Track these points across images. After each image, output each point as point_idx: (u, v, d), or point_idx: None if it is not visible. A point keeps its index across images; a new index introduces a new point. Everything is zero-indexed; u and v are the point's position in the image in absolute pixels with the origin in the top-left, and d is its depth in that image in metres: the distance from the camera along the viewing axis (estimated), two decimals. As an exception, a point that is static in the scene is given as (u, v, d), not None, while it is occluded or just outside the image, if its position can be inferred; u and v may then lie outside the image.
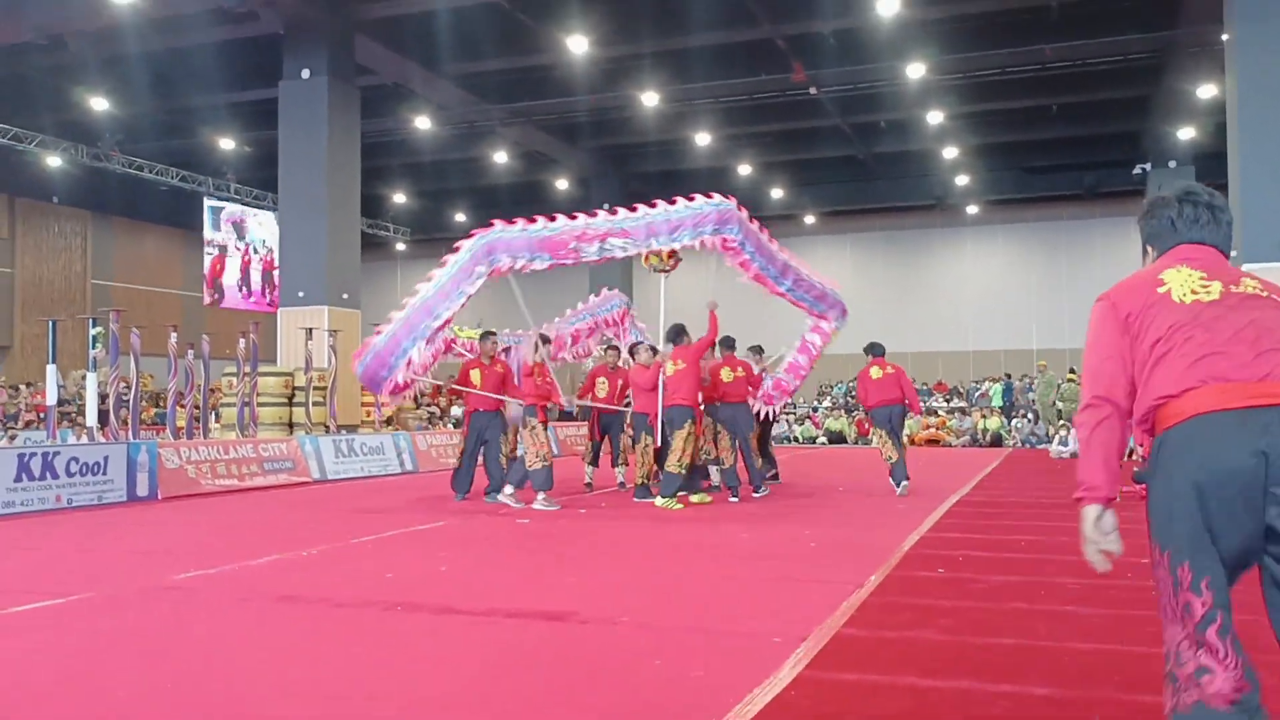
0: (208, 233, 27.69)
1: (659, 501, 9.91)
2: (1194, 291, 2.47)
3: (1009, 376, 27.52)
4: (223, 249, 27.99)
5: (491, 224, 10.22)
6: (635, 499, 10.49)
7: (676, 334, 10.51)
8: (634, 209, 10.18)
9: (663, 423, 10.05)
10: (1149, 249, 2.72)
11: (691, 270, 12.48)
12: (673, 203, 10.08)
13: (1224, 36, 15.14)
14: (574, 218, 10.21)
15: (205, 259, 27.89)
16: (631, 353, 11.26)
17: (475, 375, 10.38)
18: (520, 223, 10.14)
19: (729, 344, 11.02)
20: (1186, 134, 23.54)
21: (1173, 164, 24.95)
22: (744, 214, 10.20)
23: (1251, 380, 2.24)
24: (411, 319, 10.30)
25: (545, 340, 10.70)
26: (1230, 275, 2.54)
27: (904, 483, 10.73)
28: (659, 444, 10.26)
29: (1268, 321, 2.36)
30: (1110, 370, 2.49)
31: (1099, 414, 2.54)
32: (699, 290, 11.13)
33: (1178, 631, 2.40)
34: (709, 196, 10.11)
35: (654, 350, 10.76)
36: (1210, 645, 2.33)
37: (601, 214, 10.38)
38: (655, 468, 10.42)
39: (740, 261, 10.39)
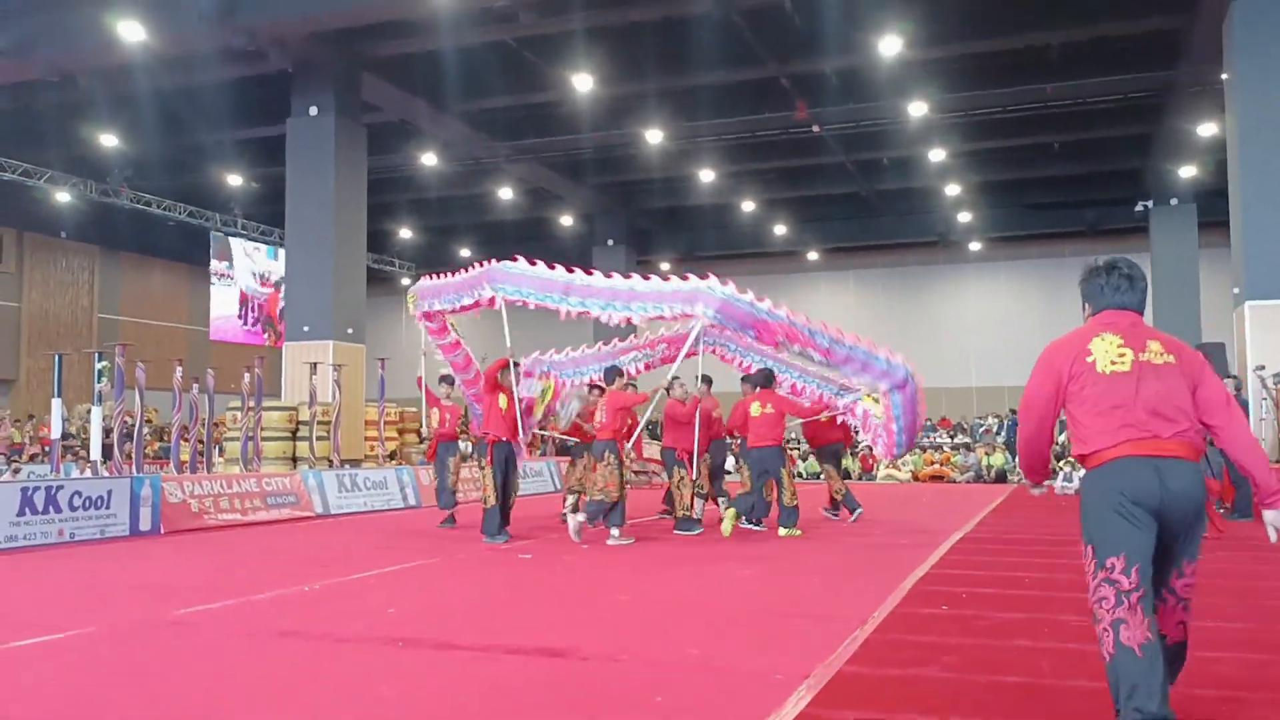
0: (214, 265, 27.81)
1: (782, 531, 10.47)
2: (1113, 363, 3.51)
3: (1013, 413, 27.46)
4: (229, 278, 28.14)
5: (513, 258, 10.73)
6: (676, 530, 10.73)
7: (766, 379, 11.21)
8: (629, 276, 10.42)
9: (759, 466, 10.72)
10: (1086, 306, 3.84)
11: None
12: (666, 278, 10.32)
13: (1224, 76, 15.24)
14: (571, 270, 10.40)
15: (212, 291, 27.96)
16: (668, 389, 11.11)
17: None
18: (523, 263, 10.57)
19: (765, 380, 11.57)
20: (1188, 172, 23.64)
21: (1174, 201, 25.05)
22: (728, 296, 9.81)
23: (1147, 439, 3.40)
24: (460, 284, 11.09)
25: (599, 389, 11.01)
26: (1140, 341, 3.57)
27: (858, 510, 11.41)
28: (694, 477, 10.87)
29: (1164, 393, 3.44)
30: (1043, 407, 3.71)
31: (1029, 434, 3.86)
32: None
33: (1107, 601, 3.42)
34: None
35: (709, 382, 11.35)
36: (1134, 607, 3.38)
37: (599, 276, 10.37)
38: (692, 500, 10.87)
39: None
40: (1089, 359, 3.54)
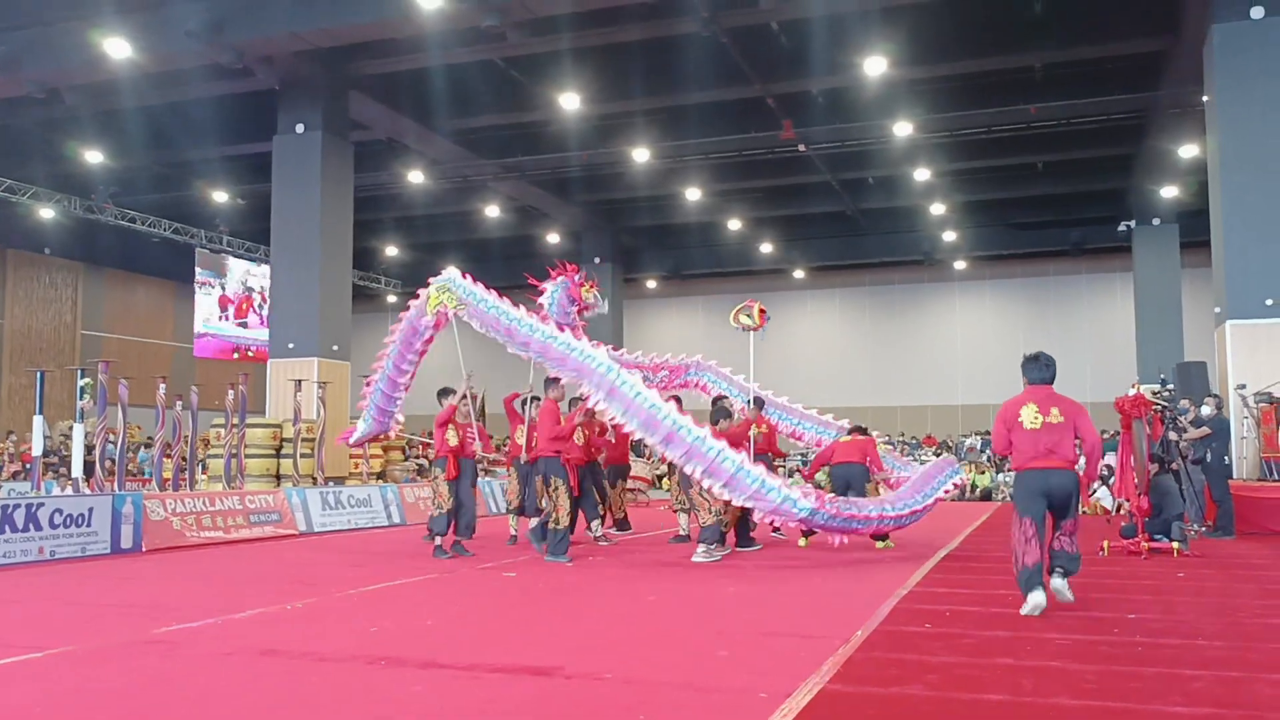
0: (200, 276, 27.66)
1: (880, 544, 10.71)
2: (1030, 422, 6.51)
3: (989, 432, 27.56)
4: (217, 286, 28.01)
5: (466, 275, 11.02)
6: (739, 547, 10.74)
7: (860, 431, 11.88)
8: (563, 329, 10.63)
9: (842, 482, 11.16)
10: (1024, 378, 6.85)
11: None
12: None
13: (1204, 98, 15.42)
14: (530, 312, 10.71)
15: (197, 300, 27.77)
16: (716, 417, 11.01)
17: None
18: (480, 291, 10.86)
19: (759, 404, 11.95)
20: (1169, 192, 23.85)
21: (1156, 221, 25.25)
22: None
23: (1041, 459, 6.45)
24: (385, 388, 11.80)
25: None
26: (1047, 408, 6.53)
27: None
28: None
29: (1054, 440, 6.45)
30: (1001, 441, 6.69)
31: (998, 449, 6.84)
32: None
33: (1020, 539, 6.44)
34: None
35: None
36: (1031, 541, 6.37)
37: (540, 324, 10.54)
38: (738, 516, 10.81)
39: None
40: (1019, 419, 6.61)
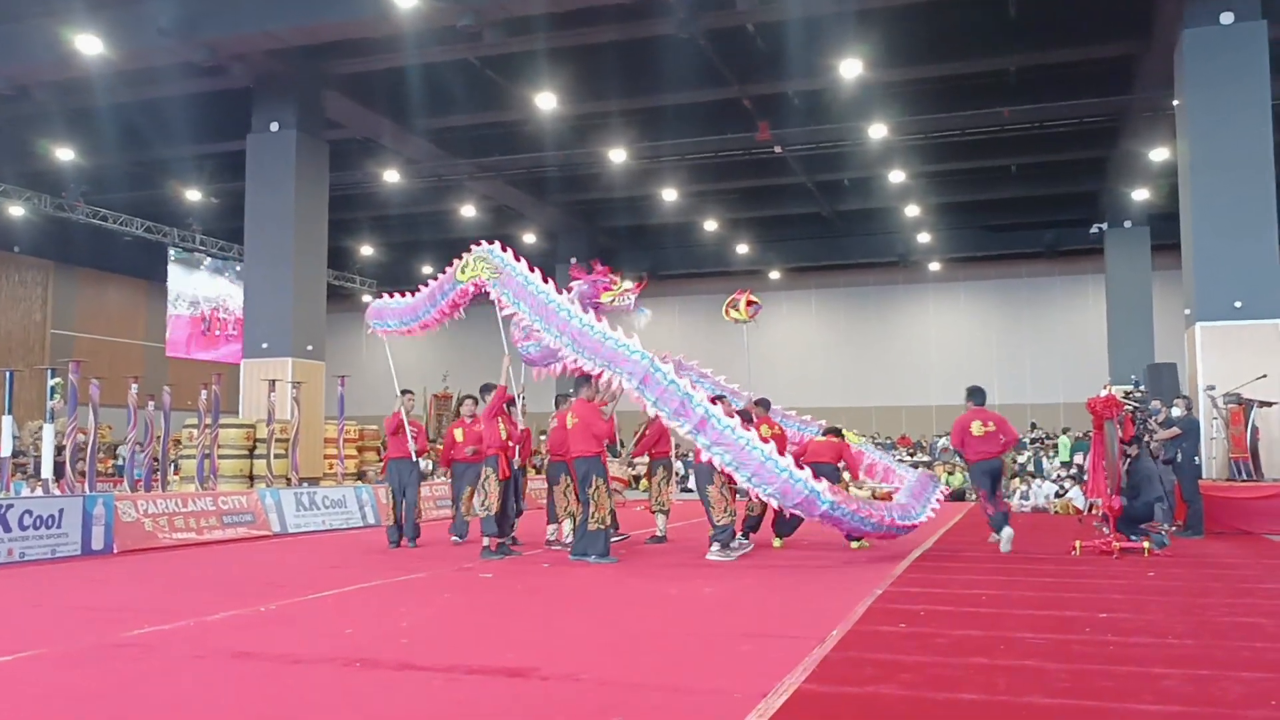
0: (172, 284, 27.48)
1: (854, 545, 10.68)
2: (978, 431, 10.87)
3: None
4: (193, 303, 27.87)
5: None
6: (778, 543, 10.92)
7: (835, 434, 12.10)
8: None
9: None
10: (969, 401, 11.20)
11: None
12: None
13: (1175, 102, 15.59)
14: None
15: (170, 310, 27.62)
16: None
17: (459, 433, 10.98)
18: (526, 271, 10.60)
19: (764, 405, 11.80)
20: (1141, 195, 24.10)
21: (1128, 224, 25.51)
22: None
23: (984, 455, 10.92)
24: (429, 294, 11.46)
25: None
26: (985, 422, 10.93)
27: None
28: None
29: (989, 443, 10.87)
30: (957, 441, 11.33)
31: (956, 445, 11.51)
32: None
33: (982, 502, 11.21)
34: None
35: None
36: (986, 502, 10.93)
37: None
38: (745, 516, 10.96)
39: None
40: (970, 429, 10.84)
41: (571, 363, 10.36)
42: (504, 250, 10.88)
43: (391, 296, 12.18)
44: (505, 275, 10.64)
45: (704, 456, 9.70)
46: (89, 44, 15.76)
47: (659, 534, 11.77)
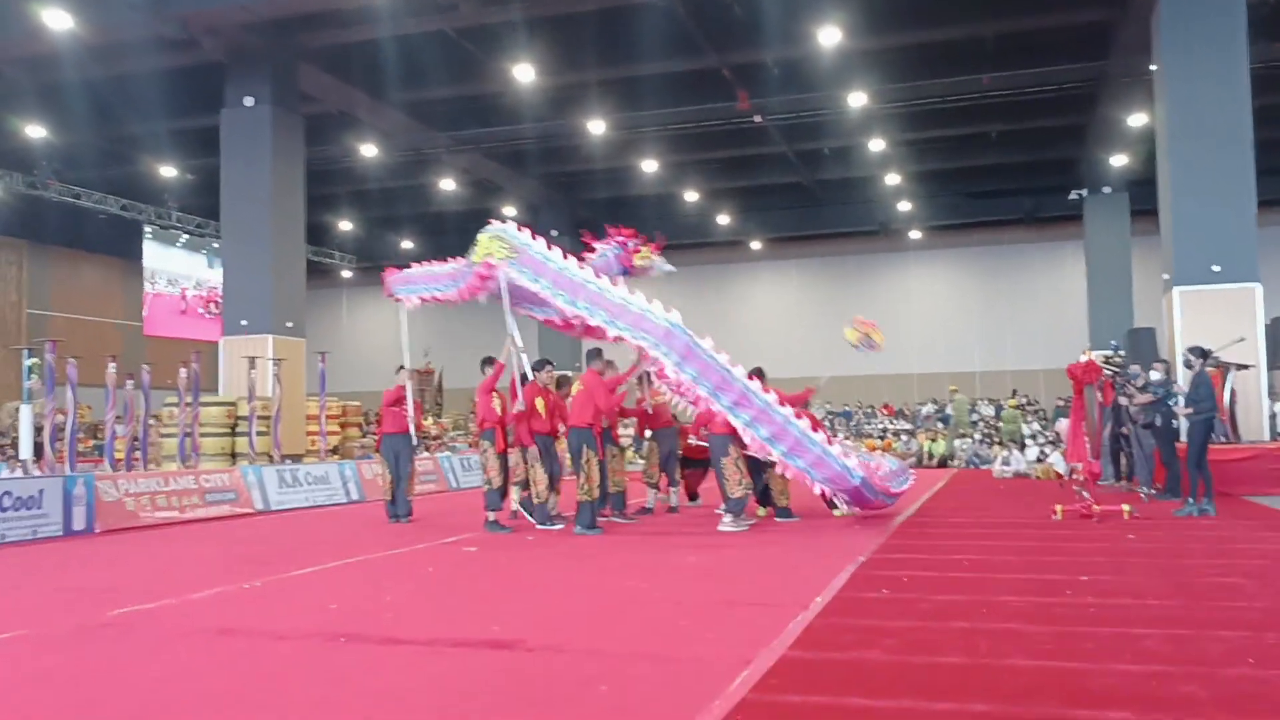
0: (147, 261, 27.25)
1: (836, 512, 10.57)
2: None
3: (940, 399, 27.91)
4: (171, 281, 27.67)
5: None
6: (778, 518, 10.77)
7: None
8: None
9: None
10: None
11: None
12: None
13: (1153, 67, 15.60)
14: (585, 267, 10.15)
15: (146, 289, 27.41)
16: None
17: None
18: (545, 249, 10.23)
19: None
20: (1119, 161, 24.16)
21: (1107, 190, 25.59)
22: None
23: None
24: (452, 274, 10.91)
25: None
26: None
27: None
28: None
29: None
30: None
31: None
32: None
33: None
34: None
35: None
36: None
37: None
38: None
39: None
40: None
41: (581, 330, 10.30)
42: (520, 230, 10.47)
43: (385, 271, 11.74)
44: (523, 254, 10.16)
45: (741, 433, 9.57)
46: (58, 19, 15.51)
47: (647, 505, 11.82)
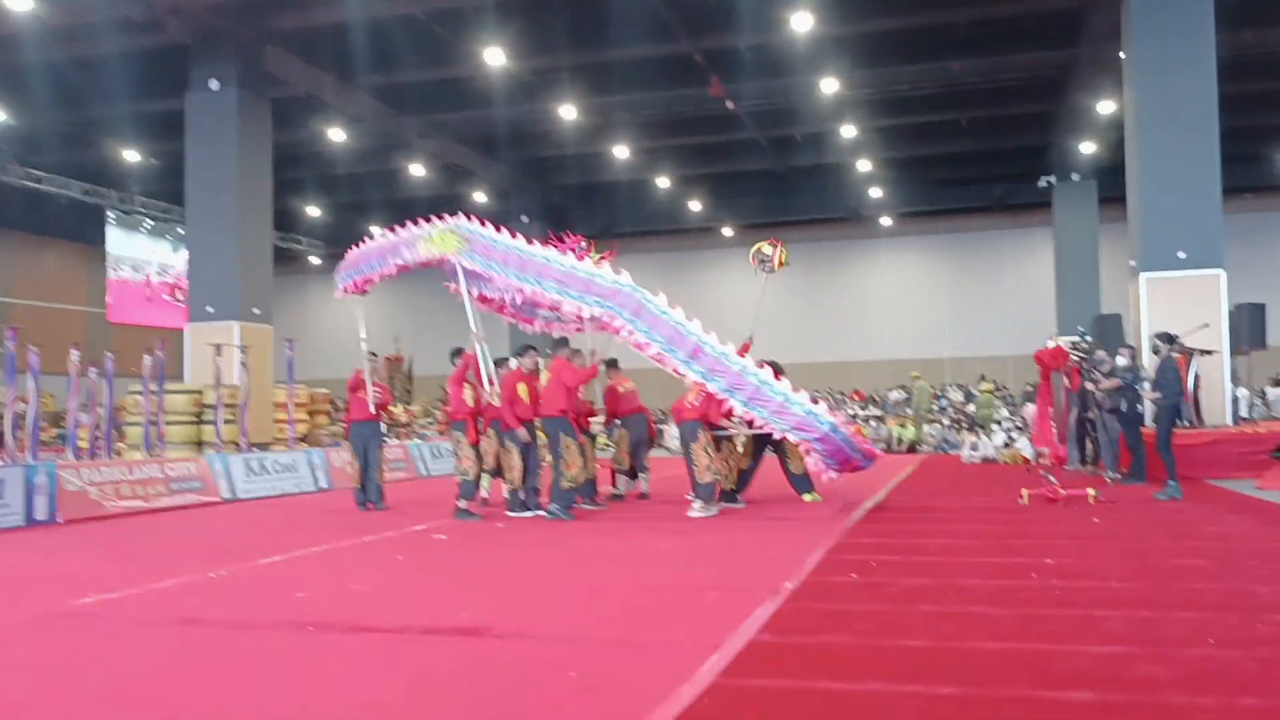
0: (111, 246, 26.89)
1: (807, 497, 10.77)
2: None
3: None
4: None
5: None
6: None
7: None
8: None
9: None
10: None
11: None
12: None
13: (1122, 55, 15.70)
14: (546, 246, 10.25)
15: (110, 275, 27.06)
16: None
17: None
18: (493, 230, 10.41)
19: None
20: (1088, 148, 24.35)
21: (1076, 177, 25.79)
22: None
23: None
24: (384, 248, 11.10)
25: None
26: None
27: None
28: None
29: None
30: None
31: None
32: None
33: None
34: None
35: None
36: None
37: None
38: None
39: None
40: None
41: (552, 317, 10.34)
42: (468, 220, 10.67)
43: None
44: (476, 242, 10.41)
45: (700, 386, 9.74)
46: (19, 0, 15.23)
47: (616, 492, 11.82)
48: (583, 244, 10.54)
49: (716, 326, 10.36)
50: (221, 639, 5.03)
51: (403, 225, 11.08)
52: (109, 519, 11.14)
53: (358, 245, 11.66)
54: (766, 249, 11.30)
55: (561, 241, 10.57)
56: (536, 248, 10.16)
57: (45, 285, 30.30)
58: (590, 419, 11.48)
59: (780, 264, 11.35)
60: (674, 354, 9.60)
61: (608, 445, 12.45)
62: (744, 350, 10.49)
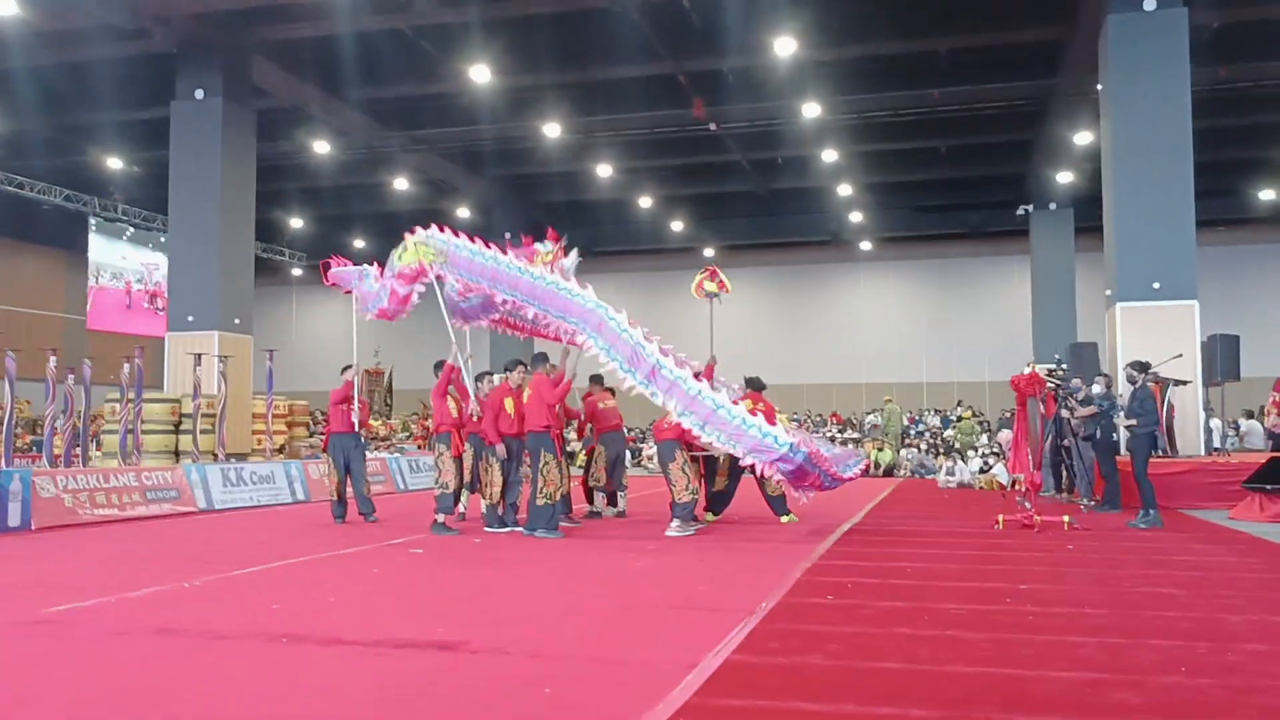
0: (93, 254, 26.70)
1: (784, 519, 10.93)
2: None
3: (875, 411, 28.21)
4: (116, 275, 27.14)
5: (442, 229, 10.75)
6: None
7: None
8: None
9: None
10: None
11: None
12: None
13: (1099, 87, 15.93)
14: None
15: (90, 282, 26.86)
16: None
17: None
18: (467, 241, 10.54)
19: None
20: (1065, 178, 24.62)
21: (1053, 206, 26.04)
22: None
23: None
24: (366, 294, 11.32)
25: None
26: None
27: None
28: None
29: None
30: None
31: None
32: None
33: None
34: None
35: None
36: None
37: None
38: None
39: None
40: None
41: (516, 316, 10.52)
42: (441, 230, 10.77)
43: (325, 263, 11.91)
44: (452, 254, 10.52)
45: (670, 420, 9.83)
46: (3, 4, 15.16)
47: (593, 509, 11.83)
48: (561, 242, 10.67)
49: (697, 347, 10.42)
50: (194, 649, 5.01)
51: (385, 237, 11.20)
52: (84, 527, 11.04)
53: (355, 264, 11.79)
54: (710, 285, 11.36)
55: (535, 241, 10.73)
56: (509, 258, 10.29)
57: (24, 291, 30.04)
58: (563, 435, 11.49)
59: (727, 290, 11.45)
60: (632, 374, 9.64)
61: (579, 452, 12.59)
62: (709, 371, 10.60)
